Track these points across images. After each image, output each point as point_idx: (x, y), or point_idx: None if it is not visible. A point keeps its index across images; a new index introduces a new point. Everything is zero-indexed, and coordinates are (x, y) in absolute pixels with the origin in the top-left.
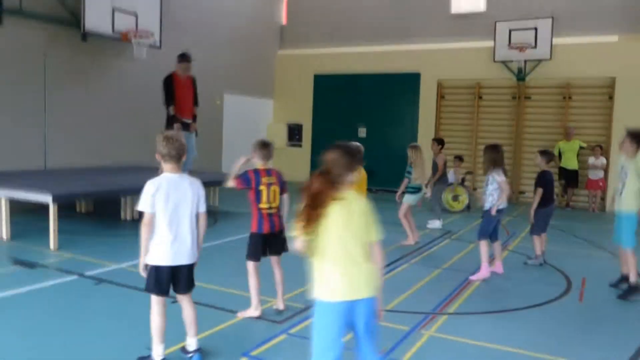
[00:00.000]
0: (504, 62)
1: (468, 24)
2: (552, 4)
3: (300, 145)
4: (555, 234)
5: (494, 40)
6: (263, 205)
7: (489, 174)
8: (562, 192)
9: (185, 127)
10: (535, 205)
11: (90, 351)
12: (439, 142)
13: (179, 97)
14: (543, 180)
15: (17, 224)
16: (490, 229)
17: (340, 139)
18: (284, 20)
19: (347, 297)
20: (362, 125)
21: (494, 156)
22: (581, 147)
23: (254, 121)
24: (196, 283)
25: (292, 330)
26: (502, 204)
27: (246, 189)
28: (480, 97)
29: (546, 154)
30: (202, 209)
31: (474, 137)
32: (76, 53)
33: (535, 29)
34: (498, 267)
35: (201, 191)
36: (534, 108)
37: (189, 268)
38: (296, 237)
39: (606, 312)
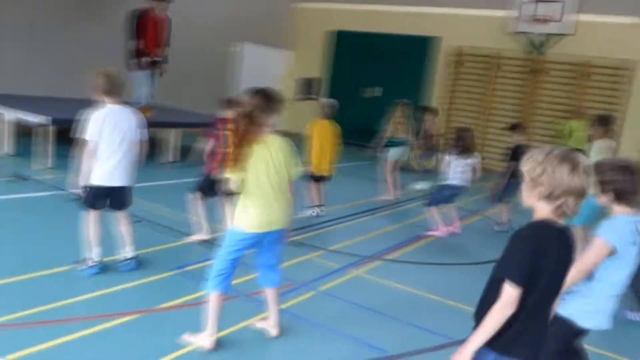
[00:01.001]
0: (525, 34)
1: None
2: None
3: (315, 99)
4: None
5: (520, 10)
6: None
7: (463, 157)
8: None
9: (153, 64)
10: (506, 178)
11: (41, 250)
12: (432, 111)
13: (153, 35)
14: (517, 154)
15: (22, 144)
16: (440, 199)
17: (354, 96)
18: None
19: (261, 230)
20: (377, 86)
21: (469, 142)
22: None
23: (269, 72)
24: (163, 207)
25: None
26: (454, 180)
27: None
28: (498, 67)
29: (521, 126)
30: (144, 137)
31: (487, 107)
32: None
33: (563, 3)
34: (455, 226)
35: (142, 121)
36: (550, 84)
37: (125, 189)
38: (228, 177)
39: None
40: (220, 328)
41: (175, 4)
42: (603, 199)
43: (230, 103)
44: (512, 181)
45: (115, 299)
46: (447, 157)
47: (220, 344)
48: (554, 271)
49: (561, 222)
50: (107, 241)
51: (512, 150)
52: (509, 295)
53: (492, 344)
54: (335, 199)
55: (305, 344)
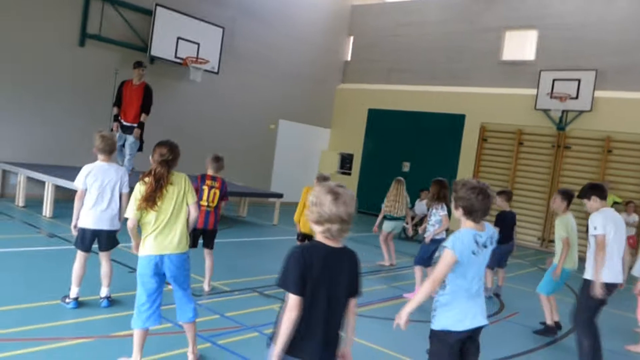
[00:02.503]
0: (545, 111)
1: (515, 71)
2: (599, 59)
3: (349, 174)
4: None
5: (537, 88)
6: (202, 203)
7: (433, 207)
8: None
9: (126, 129)
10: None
11: (44, 289)
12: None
13: (125, 101)
14: (501, 220)
15: (59, 207)
16: (425, 256)
17: (385, 171)
18: (348, 56)
19: (155, 252)
20: (406, 161)
21: (440, 191)
22: (615, 202)
23: (308, 148)
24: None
25: (201, 302)
26: (441, 235)
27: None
28: (520, 143)
29: (505, 193)
30: (125, 190)
31: (511, 182)
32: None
33: (579, 80)
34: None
35: (125, 177)
36: (572, 158)
37: (109, 233)
38: (129, 217)
39: (498, 333)
40: (149, 353)
41: (219, 81)
42: (456, 213)
43: (218, 161)
44: (499, 247)
45: (80, 326)
46: (433, 210)
47: None
48: (325, 283)
49: (336, 244)
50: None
51: (496, 217)
52: (291, 300)
53: (284, 346)
54: None
55: None
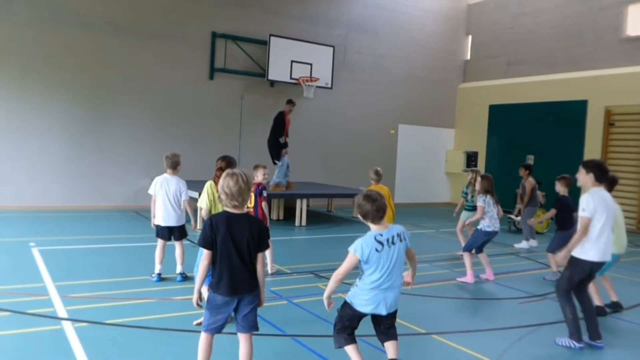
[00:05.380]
0: None
1: (638, 46)
2: None
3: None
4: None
5: None
6: None
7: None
8: None
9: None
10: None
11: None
12: (526, 167)
13: (287, 130)
14: (559, 203)
15: None
16: (475, 245)
17: (510, 166)
18: (467, 55)
19: None
20: (530, 154)
21: (487, 185)
22: None
23: (432, 149)
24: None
25: None
26: (491, 227)
27: None
28: None
29: (564, 179)
30: (186, 197)
31: None
32: (264, 96)
33: None
34: (489, 274)
35: (183, 187)
36: None
37: (177, 227)
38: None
39: (521, 310)
40: None
41: (333, 96)
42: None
43: (254, 168)
44: (560, 233)
45: (160, 292)
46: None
47: None
48: (229, 238)
49: (238, 211)
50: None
51: (556, 201)
52: (204, 253)
53: (211, 286)
54: (422, 250)
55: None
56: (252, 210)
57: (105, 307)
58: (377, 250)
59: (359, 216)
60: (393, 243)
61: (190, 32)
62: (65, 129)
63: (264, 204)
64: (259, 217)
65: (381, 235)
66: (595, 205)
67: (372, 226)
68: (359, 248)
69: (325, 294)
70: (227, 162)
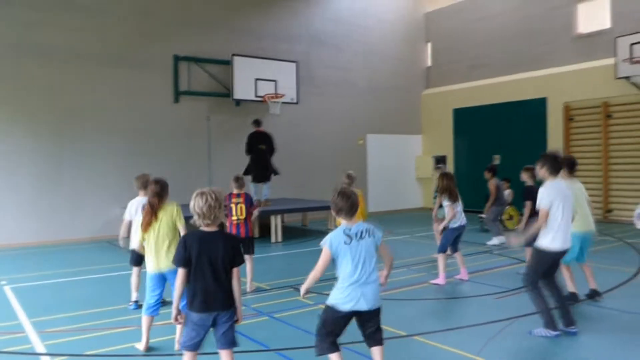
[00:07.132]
0: (627, 78)
1: (591, 43)
2: None
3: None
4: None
5: (615, 56)
6: (233, 218)
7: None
8: None
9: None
10: (525, 219)
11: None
12: (489, 169)
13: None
14: (530, 194)
15: None
16: (448, 243)
17: (477, 167)
18: (429, 61)
19: (153, 270)
20: (496, 153)
21: (448, 183)
22: None
23: (401, 156)
24: None
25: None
26: (457, 222)
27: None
28: (608, 116)
29: (529, 170)
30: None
31: (604, 157)
32: (231, 116)
33: None
34: (463, 274)
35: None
36: None
37: None
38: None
39: (492, 304)
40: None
41: (298, 110)
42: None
43: (238, 180)
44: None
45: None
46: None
47: None
48: (203, 256)
49: (211, 229)
50: None
51: (525, 191)
52: (179, 271)
53: (187, 304)
54: (399, 255)
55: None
56: (241, 222)
57: (84, 339)
58: (345, 242)
59: (333, 212)
60: (361, 237)
61: (153, 56)
62: (33, 163)
63: (255, 212)
64: (249, 227)
65: (349, 229)
66: (551, 197)
67: (343, 222)
68: (328, 240)
69: (303, 287)
70: (161, 187)
